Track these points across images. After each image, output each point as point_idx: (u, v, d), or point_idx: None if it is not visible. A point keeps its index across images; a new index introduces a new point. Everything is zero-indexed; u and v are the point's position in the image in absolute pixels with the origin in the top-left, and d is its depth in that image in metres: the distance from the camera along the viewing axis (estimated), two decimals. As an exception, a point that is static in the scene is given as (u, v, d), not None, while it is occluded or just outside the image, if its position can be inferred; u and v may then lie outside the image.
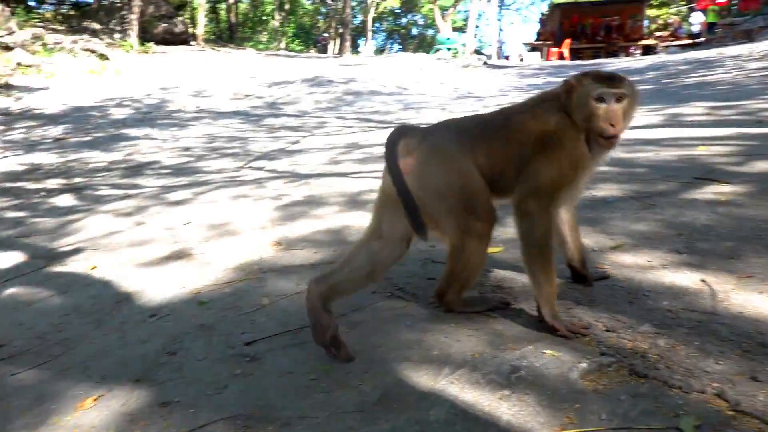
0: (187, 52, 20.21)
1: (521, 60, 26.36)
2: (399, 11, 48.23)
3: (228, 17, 32.06)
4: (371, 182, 4.13)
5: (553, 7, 33.48)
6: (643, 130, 5.28)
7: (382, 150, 5.03)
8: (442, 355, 1.56)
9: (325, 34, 40.03)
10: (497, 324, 1.75)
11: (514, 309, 1.85)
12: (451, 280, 1.81)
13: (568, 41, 27.09)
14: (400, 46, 49.68)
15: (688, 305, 1.82)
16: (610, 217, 2.75)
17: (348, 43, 24.70)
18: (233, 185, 4.73)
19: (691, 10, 27.08)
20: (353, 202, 3.59)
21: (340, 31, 31.10)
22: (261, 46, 29.85)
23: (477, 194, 1.74)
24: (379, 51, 50.62)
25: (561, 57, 26.32)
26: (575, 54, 27.48)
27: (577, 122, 1.69)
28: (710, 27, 24.36)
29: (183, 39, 22.42)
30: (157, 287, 2.39)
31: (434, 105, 10.63)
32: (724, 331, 1.63)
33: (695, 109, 6.33)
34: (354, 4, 43.80)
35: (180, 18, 24.08)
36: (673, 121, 5.77)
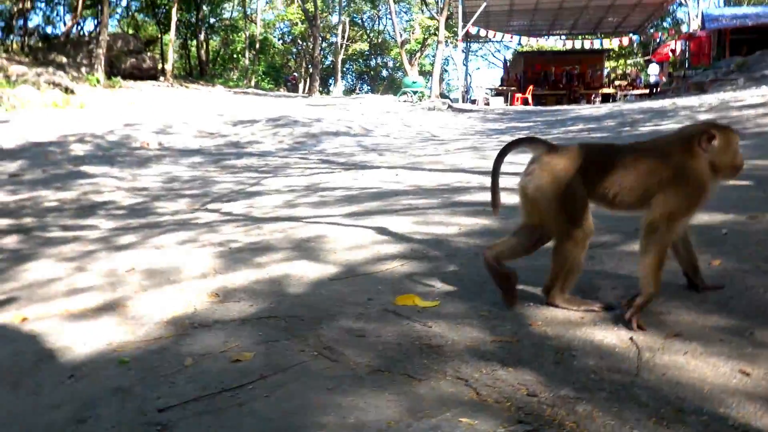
0: (155, 87, 20.17)
1: (487, 104, 27.06)
2: (368, 53, 49.20)
3: (198, 54, 32.21)
4: (323, 228, 4.11)
5: (518, 55, 34.75)
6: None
7: (339, 193, 5.06)
8: (357, 423, 1.52)
9: (295, 74, 40.50)
10: (421, 387, 1.72)
11: (451, 370, 1.83)
12: (554, 278, 2.24)
13: (531, 87, 27.98)
14: (370, 87, 50.51)
15: (612, 366, 1.82)
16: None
17: (317, 83, 24.99)
18: (184, 229, 4.64)
19: (648, 62, 28.38)
20: (299, 248, 3.56)
21: (310, 71, 31.54)
22: (231, 84, 29.97)
23: (579, 208, 2.16)
24: (349, 91, 51.36)
25: (525, 102, 27.12)
26: (538, 100, 28.40)
27: (713, 163, 2.11)
28: (669, 76, 25.51)
29: (151, 74, 22.41)
30: (83, 343, 2.29)
31: (397, 146, 10.76)
32: (644, 396, 1.63)
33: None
34: (325, 45, 44.59)
35: (149, 53, 24.11)
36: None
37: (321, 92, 34.38)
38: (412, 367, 1.85)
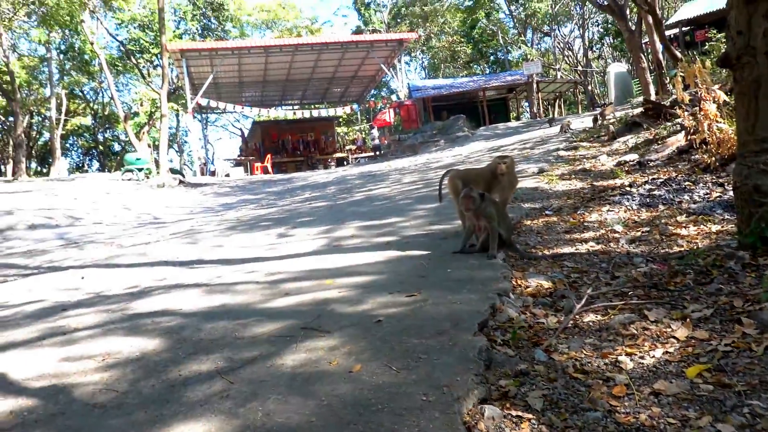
0: None
1: (227, 176, 26.60)
2: (94, 127, 44.97)
3: None
4: None
5: (255, 125, 35.30)
6: (302, 259, 5.20)
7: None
8: None
9: (-3, 155, 34.79)
10: None
11: None
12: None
13: (269, 156, 28.46)
14: (100, 164, 46.05)
15: None
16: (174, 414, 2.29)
17: (23, 164, 21.60)
18: None
19: (371, 127, 31.27)
20: None
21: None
22: None
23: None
24: (77, 169, 46.17)
25: (265, 171, 27.41)
26: (279, 167, 28.98)
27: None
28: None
29: None
30: None
31: (106, 237, 9.51)
32: None
33: (347, 230, 6.65)
34: (38, 120, 39.57)
35: None
36: (330, 247, 5.81)
37: (36, 174, 29.88)
38: None
